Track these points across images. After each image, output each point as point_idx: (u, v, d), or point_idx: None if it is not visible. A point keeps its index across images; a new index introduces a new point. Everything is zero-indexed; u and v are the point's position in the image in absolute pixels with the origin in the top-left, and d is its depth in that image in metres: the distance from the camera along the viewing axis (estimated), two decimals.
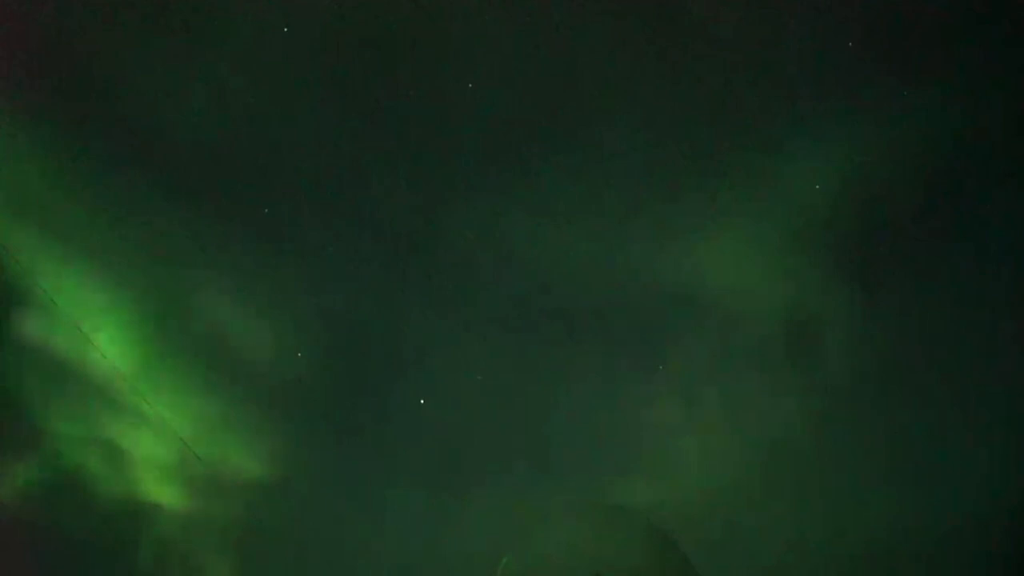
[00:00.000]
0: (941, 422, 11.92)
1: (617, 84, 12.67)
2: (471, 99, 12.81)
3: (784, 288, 12.42)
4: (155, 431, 12.53)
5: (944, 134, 12.01)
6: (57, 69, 12.22)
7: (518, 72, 12.67)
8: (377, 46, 12.80)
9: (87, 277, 12.49)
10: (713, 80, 12.46)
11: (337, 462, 12.88)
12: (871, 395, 12.17)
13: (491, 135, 12.89)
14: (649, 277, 12.75)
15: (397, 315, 12.94)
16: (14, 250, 12.06)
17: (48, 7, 12.21)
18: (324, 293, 13.04)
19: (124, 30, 12.33)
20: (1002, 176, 12.22)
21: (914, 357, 12.13)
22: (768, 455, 12.26)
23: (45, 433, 12.29)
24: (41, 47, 12.20)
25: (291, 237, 12.93)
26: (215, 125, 12.67)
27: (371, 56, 12.78)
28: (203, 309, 12.77)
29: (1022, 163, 12.19)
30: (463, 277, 12.97)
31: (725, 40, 12.38)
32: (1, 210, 12.18)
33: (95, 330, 12.35)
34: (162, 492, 12.59)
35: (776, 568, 11.64)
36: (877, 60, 12.23)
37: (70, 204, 12.31)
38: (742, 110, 12.46)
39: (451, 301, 12.91)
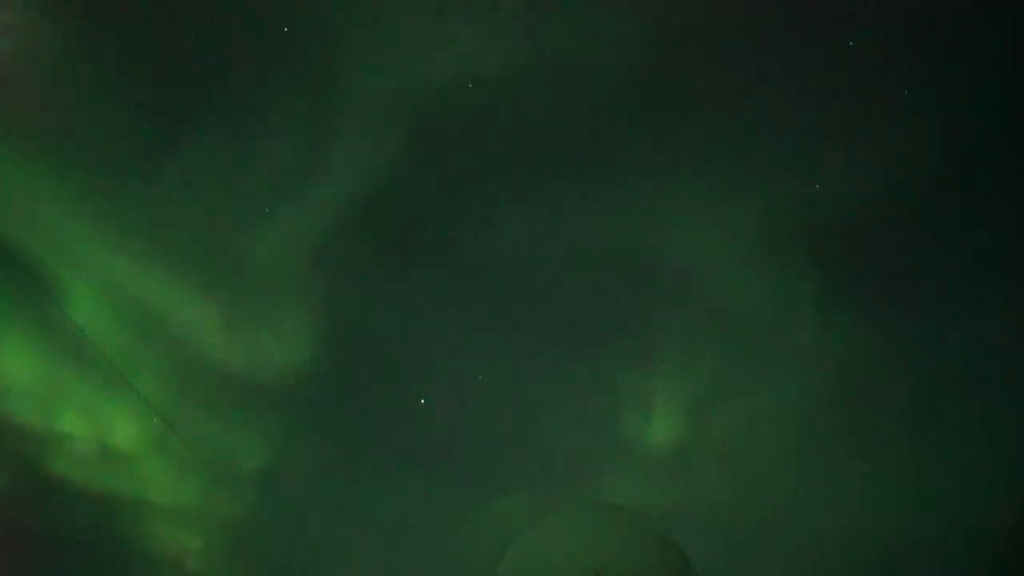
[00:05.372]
0: (942, 422, 11.96)
1: (618, 85, 12.70)
2: (470, 98, 12.85)
3: (786, 287, 12.46)
4: (152, 428, 12.56)
5: (945, 133, 12.05)
6: None
7: (517, 71, 12.69)
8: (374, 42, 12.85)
9: (87, 276, 12.53)
10: (713, 81, 12.49)
11: (336, 461, 12.89)
12: (874, 393, 12.22)
13: (490, 135, 12.91)
14: (649, 277, 12.78)
15: (398, 315, 12.97)
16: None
17: None
18: (325, 293, 13.08)
19: None
20: (1001, 175, 12.25)
21: (915, 356, 12.17)
22: (767, 456, 12.30)
23: (39, 431, 12.32)
24: None
25: (292, 237, 12.97)
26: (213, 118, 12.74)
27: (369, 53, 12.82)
28: (204, 309, 12.82)
29: (1020, 164, 12.22)
30: (463, 277, 12.99)
31: (725, 40, 12.40)
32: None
33: (93, 328, 12.38)
34: (162, 490, 12.62)
35: (776, 566, 11.67)
36: (877, 59, 12.26)
37: (78, 204, 12.39)
38: (743, 110, 12.50)
39: (451, 301, 12.94)
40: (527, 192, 12.86)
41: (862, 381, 12.27)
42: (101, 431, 12.52)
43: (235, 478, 12.70)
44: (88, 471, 12.37)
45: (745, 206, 12.59)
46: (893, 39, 12.12)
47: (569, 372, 12.78)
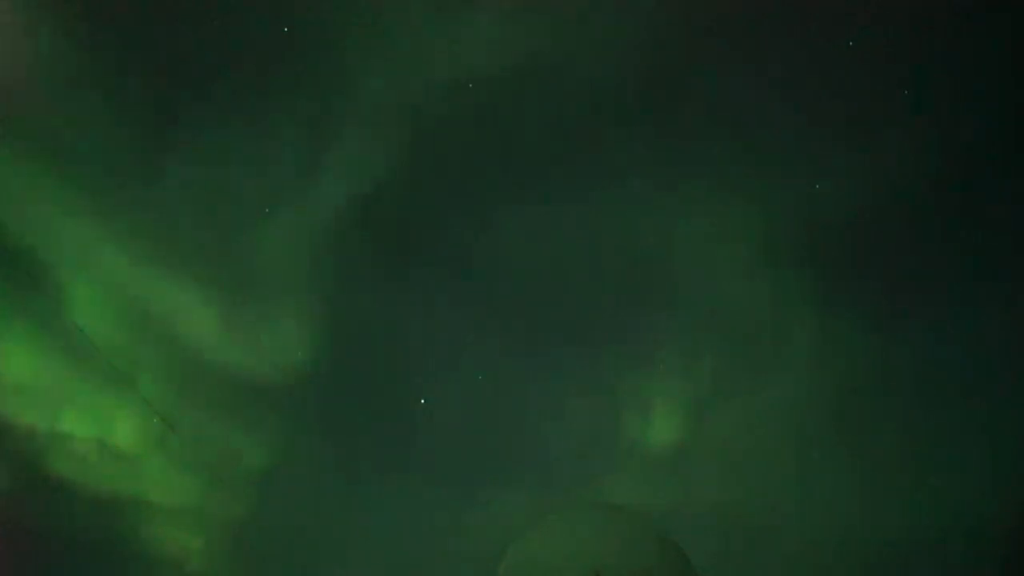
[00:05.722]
0: (942, 422, 11.96)
1: (618, 85, 12.69)
2: (470, 98, 12.84)
3: (786, 288, 12.46)
4: (152, 428, 12.56)
5: (945, 133, 12.04)
6: None
7: (517, 71, 12.68)
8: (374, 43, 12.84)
9: (87, 276, 12.53)
10: (714, 81, 12.49)
11: (336, 461, 12.90)
12: (874, 393, 12.21)
13: (490, 135, 12.91)
14: (649, 277, 12.78)
15: (398, 315, 12.96)
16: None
17: None
18: (325, 293, 13.08)
19: None
20: (1001, 175, 12.24)
21: (914, 356, 12.17)
22: (767, 456, 12.30)
23: (39, 431, 12.33)
24: None
25: (292, 237, 12.98)
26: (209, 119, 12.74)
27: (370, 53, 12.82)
28: (204, 309, 12.81)
29: (1018, 166, 12.21)
30: (463, 277, 12.98)
31: (725, 40, 12.39)
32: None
33: (93, 328, 12.39)
34: (162, 490, 12.62)
35: (776, 566, 11.66)
36: (877, 59, 12.24)
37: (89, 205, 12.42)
38: (743, 110, 12.49)
39: (451, 301, 12.94)
40: (527, 192, 12.86)
41: (862, 381, 12.27)
42: (101, 431, 12.53)
43: (235, 478, 12.70)
44: (88, 471, 12.37)
45: (745, 206, 12.58)
46: (893, 39, 12.11)
47: (569, 372, 12.77)
